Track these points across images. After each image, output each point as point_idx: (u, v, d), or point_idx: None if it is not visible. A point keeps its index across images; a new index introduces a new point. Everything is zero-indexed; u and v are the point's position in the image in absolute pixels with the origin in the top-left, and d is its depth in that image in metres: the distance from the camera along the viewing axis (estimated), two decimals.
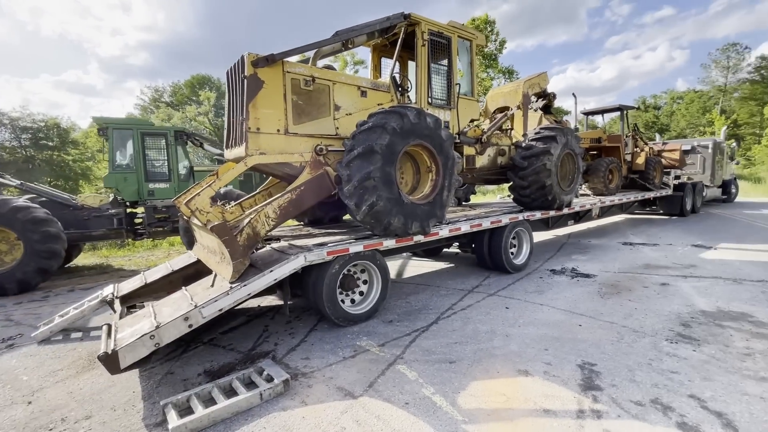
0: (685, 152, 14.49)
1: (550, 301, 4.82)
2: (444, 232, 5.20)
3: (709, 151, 14.28)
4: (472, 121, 6.46)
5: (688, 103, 60.82)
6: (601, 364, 3.20)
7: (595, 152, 10.45)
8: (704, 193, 13.97)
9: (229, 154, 4.74)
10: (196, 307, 3.30)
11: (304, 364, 3.46)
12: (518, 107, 7.56)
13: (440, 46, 5.70)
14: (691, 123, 58.23)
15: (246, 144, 4.20)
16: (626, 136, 10.84)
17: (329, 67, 5.28)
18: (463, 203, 9.15)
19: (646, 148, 11.52)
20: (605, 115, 12.75)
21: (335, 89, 4.85)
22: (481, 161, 6.84)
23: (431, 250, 7.68)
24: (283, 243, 4.59)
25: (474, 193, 9.37)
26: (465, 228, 5.47)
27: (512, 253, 6.46)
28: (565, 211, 7.17)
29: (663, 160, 11.90)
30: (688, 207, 12.25)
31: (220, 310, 3.41)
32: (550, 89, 8.45)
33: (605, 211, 9.61)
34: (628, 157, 10.82)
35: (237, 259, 3.64)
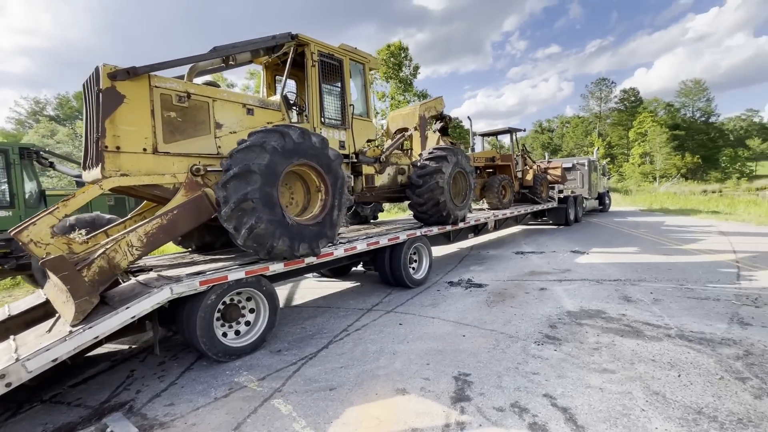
0: (567, 169, 16.59)
1: (442, 313, 4.98)
2: (339, 252, 5.13)
3: (586, 168, 16.54)
4: (369, 141, 6.59)
5: (574, 127, 70.37)
6: (475, 373, 3.33)
7: (491, 170, 11.43)
8: (584, 205, 16.07)
9: (87, 176, 4.15)
10: (17, 360, 2.73)
11: (165, 411, 3.05)
12: (415, 128, 7.96)
13: (332, 68, 5.76)
14: (578, 144, 67.32)
15: (102, 164, 3.72)
16: (516, 156, 12.07)
17: (212, 84, 4.99)
18: (371, 221, 9.25)
19: (534, 166, 12.94)
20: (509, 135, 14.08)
21: (216, 106, 4.59)
22: (381, 180, 6.98)
23: (338, 270, 7.55)
24: (152, 274, 4.10)
25: (382, 210, 9.56)
26: (361, 247, 5.47)
27: (413, 269, 6.63)
28: (461, 225, 7.62)
29: (548, 176, 13.46)
30: (572, 217, 13.95)
31: (55, 360, 2.87)
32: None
33: (502, 224, 10.47)
34: (519, 174, 12.03)
35: (81, 298, 3.13)
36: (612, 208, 21.31)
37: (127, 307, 3.23)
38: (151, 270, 4.35)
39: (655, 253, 8.08)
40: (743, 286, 5.39)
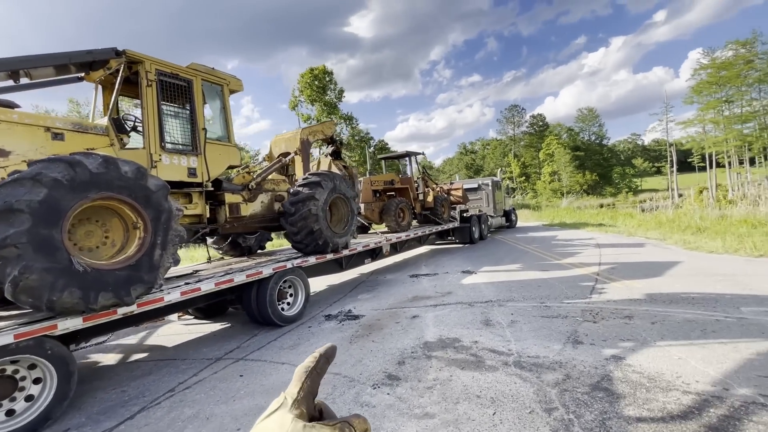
0: (473, 190, 17.45)
1: (296, 357, 4.52)
2: (174, 296, 4.45)
3: (490, 188, 17.52)
4: (232, 167, 6.08)
5: (493, 149, 75.92)
6: None
7: (392, 193, 11.45)
8: (489, 222, 16.88)
9: None
10: None
11: None
12: (296, 153, 7.61)
13: (177, 88, 5.22)
14: (497, 164, 72.51)
15: None
16: (417, 179, 12.30)
17: (7, 105, 4.16)
18: (259, 251, 8.60)
19: (437, 188, 13.30)
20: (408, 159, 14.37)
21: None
22: (252, 208, 6.48)
23: (210, 311, 6.74)
24: None
25: (270, 239, 8.95)
26: (207, 287, 4.84)
27: (288, 304, 6.13)
28: (345, 252, 7.32)
29: (452, 197, 13.92)
30: (476, 235, 14.48)
31: None
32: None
33: (403, 246, 10.42)
34: (421, 197, 12.25)
35: None
36: (520, 224, 22.81)
37: None
38: None
39: (535, 269, 8.48)
40: (593, 300, 5.70)
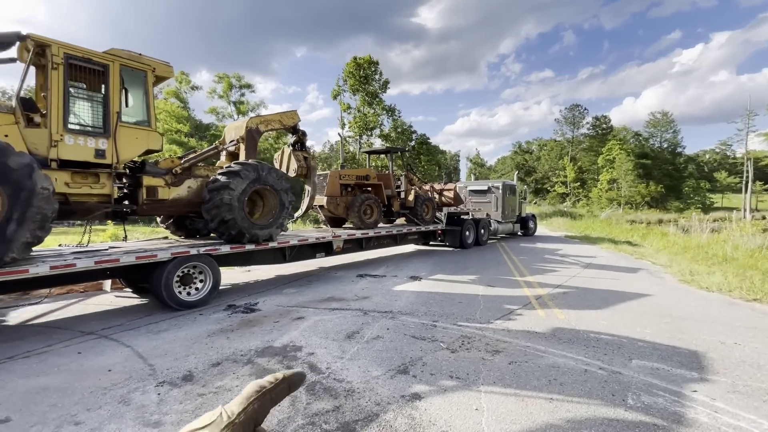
0: (481, 192, 16.49)
1: (148, 341, 4.57)
2: (42, 269, 4.68)
3: (500, 191, 16.43)
4: (151, 152, 6.25)
5: (549, 150, 71.27)
6: None
7: (368, 189, 11.15)
8: (494, 228, 15.87)
9: None
10: None
11: None
12: (239, 140, 7.68)
13: (90, 72, 5.46)
14: (552, 167, 68.13)
15: None
16: (401, 176, 11.84)
17: None
18: (212, 234, 8.87)
19: (425, 187, 12.74)
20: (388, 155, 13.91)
21: None
22: (177, 193, 6.65)
23: (139, 287, 7.10)
24: None
25: None
26: (84, 264, 5.04)
27: (196, 289, 6.26)
28: (274, 244, 7.28)
29: (443, 198, 13.25)
30: (470, 240, 13.69)
31: None
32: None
33: (369, 243, 10.16)
34: (403, 195, 11.80)
35: None
36: (542, 233, 21.24)
37: None
38: None
39: (483, 283, 7.80)
40: (490, 326, 5.08)
